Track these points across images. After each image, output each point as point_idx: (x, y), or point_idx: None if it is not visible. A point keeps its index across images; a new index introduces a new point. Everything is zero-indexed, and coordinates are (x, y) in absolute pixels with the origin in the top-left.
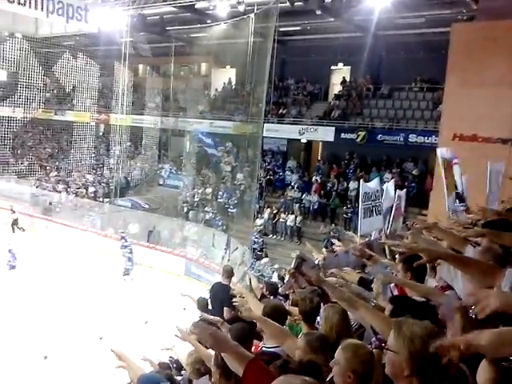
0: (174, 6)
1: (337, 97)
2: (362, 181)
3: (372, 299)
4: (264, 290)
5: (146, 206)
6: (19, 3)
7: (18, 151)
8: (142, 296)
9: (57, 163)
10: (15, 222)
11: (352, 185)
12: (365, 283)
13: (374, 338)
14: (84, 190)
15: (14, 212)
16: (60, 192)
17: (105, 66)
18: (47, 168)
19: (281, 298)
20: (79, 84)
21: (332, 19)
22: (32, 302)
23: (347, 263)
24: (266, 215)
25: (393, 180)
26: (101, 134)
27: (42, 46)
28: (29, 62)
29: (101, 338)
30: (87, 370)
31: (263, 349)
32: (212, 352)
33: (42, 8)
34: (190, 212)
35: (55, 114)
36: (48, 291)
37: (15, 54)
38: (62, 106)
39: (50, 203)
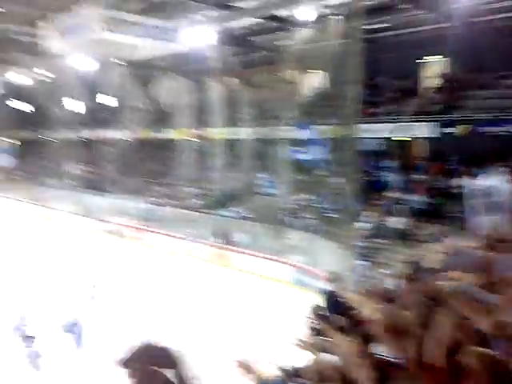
0: (259, 17)
1: (433, 90)
2: (467, 177)
3: None
4: (377, 295)
5: (247, 215)
6: (116, 31)
7: (126, 170)
8: (250, 304)
9: (161, 179)
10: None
11: (457, 181)
12: None
13: None
14: (187, 203)
15: None
16: (165, 206)
17: (198, 83)
18: (153, 184)
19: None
20: (176, 102)
21: (421, 11)
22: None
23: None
24: (367, 218)
25: (503, 174)
26: (199, 148)
27: (140, 69)
28: (130, 86)
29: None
30: None
31: None
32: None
33: (137, 34)
34: (290, 219)
35: (157, 133)
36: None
37: (118, 80)
38: (162, 125)
39: (157, 217)
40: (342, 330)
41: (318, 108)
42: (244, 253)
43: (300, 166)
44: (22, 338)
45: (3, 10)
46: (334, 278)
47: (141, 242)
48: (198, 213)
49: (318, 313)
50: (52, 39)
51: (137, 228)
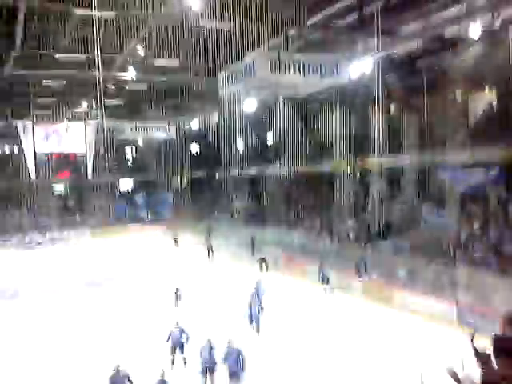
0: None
1: None
2: None
3: None
4: None
5: (409, 248)
6: (280, 71)
7: (286, 203)
8: (413, 344)
9: (320, 211)
10: None
11: None
12: None
13: None
14: (346, 235)
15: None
16: (324, 239)
17: (358, 113)
18: (312, 217)
19: None
20: (337, 134)
21: None
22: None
23: None
24: None
25: None
26: (358, 179)
27: (302, 105)
28: (293, 122)
29: None
30: None
31: None
32: None
33: (299, 71)
34: (457, 252)
35: (315, 166)
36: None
37: (281, 117)
38: (321, 158)
39: (313, 249)
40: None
41: (489, 129)
42: (405, 289)
43: (469, 194)
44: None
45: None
46: (509, 320)
47: (299, 274)
48: (355, 245)
49: (482, 358)
50: (225, 86)
51: (293, 260)
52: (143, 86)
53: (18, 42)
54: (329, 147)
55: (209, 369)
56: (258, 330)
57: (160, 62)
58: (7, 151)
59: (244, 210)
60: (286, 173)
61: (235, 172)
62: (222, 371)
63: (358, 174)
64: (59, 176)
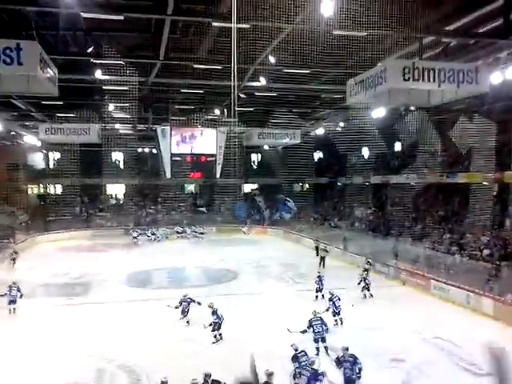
0: None
1: None
2: None
3: None
4: None
5: None
6: (413, 79)
7: (413, 215)
8: None
9: (449, 225)
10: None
11: None
12: None
13: None
14: (479, 253)
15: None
16: (454, 254)
17: (500, 123)
18: (441, 230)
19: None
20: (474, 144)
21: None
22: None
23: None
24: None
25: None
26: (495, 193)
27: (435, 114)
28: (425, 131)
29: None
30: None
31: None
32: None
33: (434, 79)
34: None
35: (447, 177)
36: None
37: (413, 126)
38: (453, 169)
39: (442, 265)
40: None
41: None
42: None
43: None
44: None
45: (309, 72)
46: None
47: (423, 289)
48: (489, 264)
49: None
50: (353, 93)
51: (421, 275)
52: (273, 94)
53: (162, 53)
54: (464, 157)
55: (321, 339)
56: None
57: (290, 70)
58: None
59: (365, 218)
60: (413, 183)
61: (359, 180)
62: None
63: (496, 187)
64: (191, 176)
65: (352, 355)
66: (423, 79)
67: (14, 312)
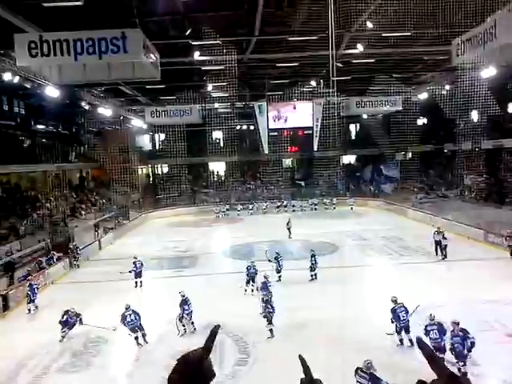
0: None
1: None
2: None
3: None
4: None
5: None
6: None
7: None
8: None
9: None
10: None
11: None
12: None
13: None
14: None
15: None
16: None
17: None
18: None
19: None
20: None
21: None
22: None
23: None
24: None
25: None
26: None
27: None
28: None
29: None
30: None
31: None
32: None
33: None
34: None
35: None
36: None
37: None
38: None
39: None
40: None
41: None
42: None
43: None
44: None
45: (410, 34)
46: None
47: None
48: None
49: None
50: (460, 53)
51: None
52: (371, 60)
53: (257, 29)
54: None
55: (404, 328)
56: None
57: (389, 34)
58: (245, 129)
59: (477, 187)
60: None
61: (468, 146)
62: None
63: None
64: (289, 151)
65: (463, 329)
66: None
67: (141, 285)
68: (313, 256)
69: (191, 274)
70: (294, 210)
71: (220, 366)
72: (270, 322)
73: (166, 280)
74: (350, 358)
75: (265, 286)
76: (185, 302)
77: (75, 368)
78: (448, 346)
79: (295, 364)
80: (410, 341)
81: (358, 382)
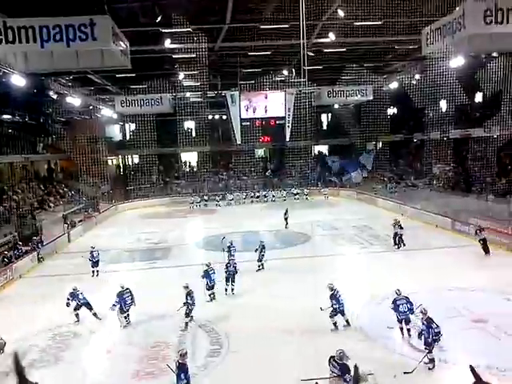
0: None
1: None
2: None
3: None
4: None
5: None
6: (496, 22)
7: (496, 170)
8: None
9: None
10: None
11: None
12: None
13: None
14: None
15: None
16: None
17: None
18: None
19: None
20: None
21: None
22: None
23: None
24: None
25: None
26: None
27: None
28: (509, 79)
29: None
30: None
31: None
32: None
33: None
34: None
35: None
36: None
37: (496, 74)
38: None
39: None
40: None
41: None
42: None
43: None
44: None
45: (381, 23)
46: None
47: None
48: None
49: None
50: (430, 42)
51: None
52: (342, 50)
53: (229, 16)
54: None
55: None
56: None
57: (361, 23)
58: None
59: (444, 176)
60: (496, 135)
61: (436, 135)
62: None
63: None
64: (261, 141)
65: (428, 318)
66: (508, 21)
67: (97, 275)
68: (262, 247)
69: (164, 266)
70: (266, 201)
71: (192, 358)
72: (187, 316)
73: (139, 272)
74: (323, 347)
75: (207, 274)
76: (121, 295)
77: (43, 363)
78: (416, 333)
79: (267, 355)
80: (409, 331)
81: (330, 371)
